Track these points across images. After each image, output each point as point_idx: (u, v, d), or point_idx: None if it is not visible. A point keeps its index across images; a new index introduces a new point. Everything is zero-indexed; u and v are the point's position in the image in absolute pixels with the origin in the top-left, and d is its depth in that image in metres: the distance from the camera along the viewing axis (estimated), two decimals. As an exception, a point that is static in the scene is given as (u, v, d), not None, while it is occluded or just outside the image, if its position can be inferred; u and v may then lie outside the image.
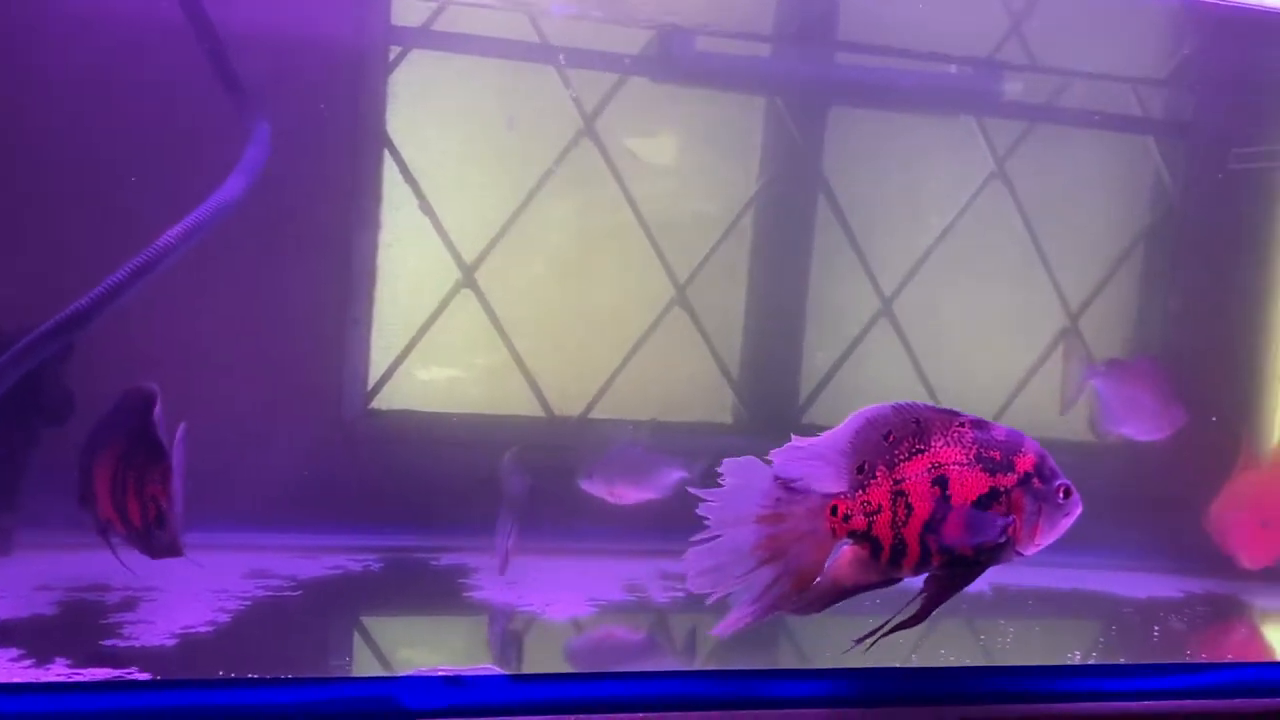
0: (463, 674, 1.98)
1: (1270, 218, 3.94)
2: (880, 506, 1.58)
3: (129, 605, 2.42)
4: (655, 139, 3.62)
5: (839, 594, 1.63)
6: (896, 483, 1.58)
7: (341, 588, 2.81)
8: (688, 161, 3.70)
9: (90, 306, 2.25)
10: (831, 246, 3.74)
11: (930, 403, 1.63)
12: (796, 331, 3.75)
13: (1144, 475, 3.63)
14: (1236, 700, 2.24)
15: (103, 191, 2.93)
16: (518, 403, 3.54)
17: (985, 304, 3.88)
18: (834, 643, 2.89)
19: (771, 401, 3.76)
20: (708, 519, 1.59)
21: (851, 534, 1.59)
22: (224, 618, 2.41)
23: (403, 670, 2.11)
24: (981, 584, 3.28)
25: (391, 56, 3.35)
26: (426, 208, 3.41)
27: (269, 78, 2.92)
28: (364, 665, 2.45)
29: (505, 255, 3.49)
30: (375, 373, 3.42)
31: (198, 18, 2.76)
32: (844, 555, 1.63)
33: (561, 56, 3.43)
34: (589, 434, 3.50)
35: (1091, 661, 2.67)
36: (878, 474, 1.59)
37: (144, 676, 2.00)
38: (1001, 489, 1.59)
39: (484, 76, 3.45)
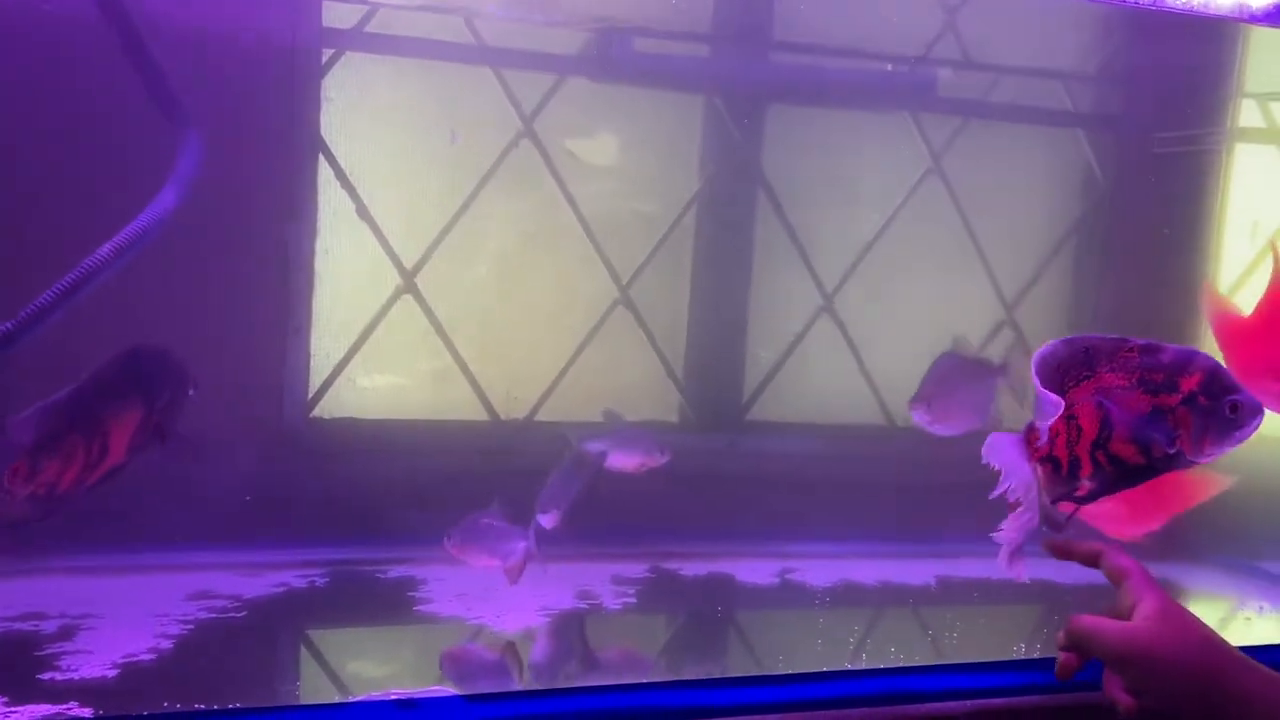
0: (415, 697, 1.95)
1: (1196, 206, 4.03)
2: (1058, 430, 1.74)
3: (67, 634, 2.35)
4: (595, 139, 3.60)
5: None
6: (1068, 407, 1.73)
7: (287, 606, 2.76)
8: (628, 161, 3.68)
9: (16, 329, 2.16)
10: (773, 244, 3.76)
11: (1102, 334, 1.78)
12: (740, 329, 3.76)
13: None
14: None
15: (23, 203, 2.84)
16: (462, 407, 3.50)
17: (924, 298, 3.92)
18: (783, 647, 2.93)
19: (717, 399, 3.77)
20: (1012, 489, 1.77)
21: (1041, 458, 1.78)
22: (167, 644, 2.35)
23: (354, 694, 2.08)
24: (927, 576, 3.35)
25: (325, 59, 3.28)
26: (364, 212, 3.35)
27: (198, 80, 2.84)
28: (314, 686, 2.41)
29: (446, 259, 3.45)
30: (316, 381, 3.36)
31: (122, 24, 2.66)
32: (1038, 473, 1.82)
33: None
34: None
35: (1035, 654, 2.72)
36: None
37: (85, 712, 1.94)
38: (1165, 408, 1.74)
39: (420, 78, 3.39)
